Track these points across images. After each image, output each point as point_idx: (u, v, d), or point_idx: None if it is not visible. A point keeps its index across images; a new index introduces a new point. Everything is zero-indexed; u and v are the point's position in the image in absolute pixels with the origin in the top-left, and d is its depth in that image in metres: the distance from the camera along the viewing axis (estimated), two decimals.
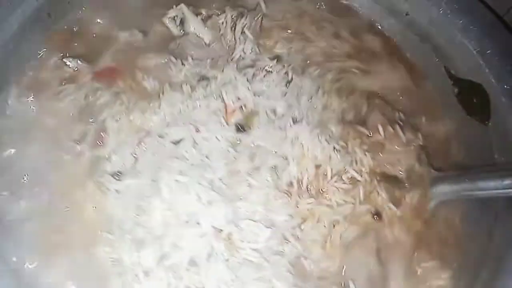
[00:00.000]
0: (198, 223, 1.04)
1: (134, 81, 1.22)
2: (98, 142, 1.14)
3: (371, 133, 1.19)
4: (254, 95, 1.18)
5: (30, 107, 1.18)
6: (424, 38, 1.35)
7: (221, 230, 1.03)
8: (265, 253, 1.04)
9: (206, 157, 1.11)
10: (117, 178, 1.09)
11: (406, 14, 1.37)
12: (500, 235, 1.09)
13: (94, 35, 1.30)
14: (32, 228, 1.05)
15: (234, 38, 1.29)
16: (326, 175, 1.12)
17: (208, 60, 1.25)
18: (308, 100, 1.21)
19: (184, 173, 1.08)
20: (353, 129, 1.19)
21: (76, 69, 1.23)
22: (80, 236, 1.05)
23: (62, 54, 1.25)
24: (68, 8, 1.31)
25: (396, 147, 1.18)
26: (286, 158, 1.12)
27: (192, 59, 1.25)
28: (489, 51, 1.21)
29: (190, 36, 1.29)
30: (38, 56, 1.25)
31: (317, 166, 1.12)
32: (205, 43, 1.29)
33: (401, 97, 1.31)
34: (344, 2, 1.46)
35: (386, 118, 1.21)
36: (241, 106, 1.17)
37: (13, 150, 1.14)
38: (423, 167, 1.18)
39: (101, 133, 1.14)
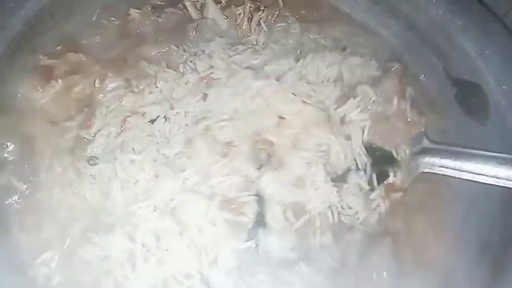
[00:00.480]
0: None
1: (138, 68, 1.25)
2: (87, 123, 1.16)
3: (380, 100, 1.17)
4: (229, 63, 1.21)
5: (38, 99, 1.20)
6: (423, 39, 1.35)
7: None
8: None
9: (169, 133, 1.13)
10: (92, 163, 1.11)
11: (405, 15, 1.37)
12: None
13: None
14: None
15: (250, 29, 1.35)
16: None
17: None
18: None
19: (139, 151, 1.10)
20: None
21: (84, 60, 1.25)
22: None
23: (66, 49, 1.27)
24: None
25: (398, 124, 1.17)
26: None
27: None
28: (488, 52, 1.20)
29: (208, 20, 1.34)
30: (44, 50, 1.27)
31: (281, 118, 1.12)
32: (221, 30, 1.35)
33: None
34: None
35: (401, 89, 1.20)
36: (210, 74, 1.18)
37: None
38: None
39: (91, 116, 1.16)
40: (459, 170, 1.12)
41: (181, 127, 1.13)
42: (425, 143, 1.20)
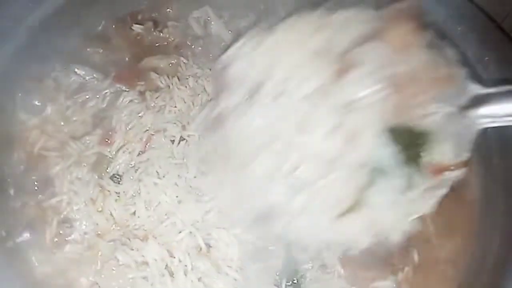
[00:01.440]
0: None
1: (148, 80, 1.27)
2: (106, 140, 1.17)
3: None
4: None
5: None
6: None
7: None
8: None
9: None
10: (115, 181, 1.12)
11: None
12: None
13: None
14: None
15: None
16: None
17: None
18: None
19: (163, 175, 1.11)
20: None
21: (92, 77, 1.26)
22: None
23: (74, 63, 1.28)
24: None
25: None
26: None
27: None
28: (487, 58, 1.22)
29: (213, 37, 1.36)
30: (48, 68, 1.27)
31: None
32: (227, 45, 1.33)
33: None
34: None
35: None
36: None
37: None
38: None
39: (110, 132, 1.17)
40: None
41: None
42: (473, 89, 0.92)
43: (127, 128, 1.17)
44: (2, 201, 1.09)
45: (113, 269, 1.01)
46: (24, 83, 1.22)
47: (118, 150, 1.15)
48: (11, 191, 1.12)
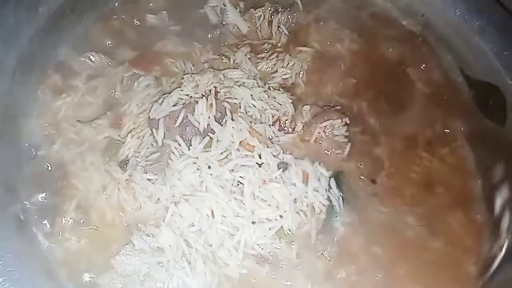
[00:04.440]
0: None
1: (163, 65, 1.26)
2: (118, 123, 1.15)
3: None
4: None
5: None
6: (440, 39, 1.36)
7: None
8: None
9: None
10: (123, 169, 1.09)
11: (422, 15, 1.38)
12: None
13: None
14: None
15: (271, 32, 1.35)
16: None
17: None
18: None
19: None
20: None
21: (101, 64, 1.25)
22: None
23: (88, 49, 1.26)
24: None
25: None
26: None
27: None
28: (506, 53, 1.21)
29: (229, 26, 1.35)
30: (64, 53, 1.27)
31: None
32: (242, 34, 1.35)
33: None
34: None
35: None
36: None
37: None
38: None
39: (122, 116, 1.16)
40: None
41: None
42: None
43: (138, 112, 1.16)
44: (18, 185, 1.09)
45: (128, 254, 1.00)
46: (41, 68, 1.21)
47: (127, 134, 1.13)
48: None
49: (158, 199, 1.05)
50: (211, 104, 1.09)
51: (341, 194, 1.10)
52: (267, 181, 1.03)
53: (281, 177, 1.05)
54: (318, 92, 1.27)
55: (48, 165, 1.12)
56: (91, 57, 1.25)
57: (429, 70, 1.35)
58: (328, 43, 1.34)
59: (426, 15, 1.37)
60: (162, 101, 1.12)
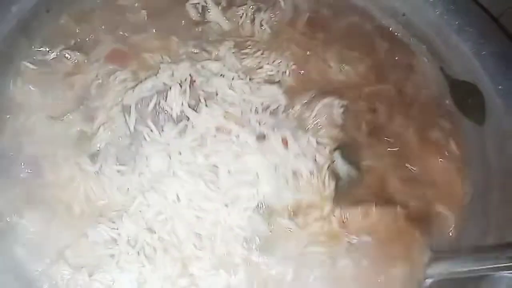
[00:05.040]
0: None
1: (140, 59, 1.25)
2: (90, 115, 1.15)
3: None
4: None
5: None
6: (420, 39, 1.36)
7: None
8: None
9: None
10: (93, 161, 1.08)
11: (403, 15, 1.38)
12: None
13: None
14: None
15: (253, 30, 1.34)
16: None
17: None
18: None
19: None
20: None
21: (77, 61, 1.23)
22: None
23: (63, 47, 1.25)
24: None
25: None
26: None
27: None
28: (484, 52, 1.22)
29: (211, 24, 1.34)
30: (39, 51, 1.25)
31: None
32: (225, 31, 1.34)
33: None
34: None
35: None
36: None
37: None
38: None
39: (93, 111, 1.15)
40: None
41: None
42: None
43: (113, 105, 1.15)
44: None
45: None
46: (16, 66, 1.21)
47: (99, 127, 1.12)
48: None
49: (128, 189, 1.04)
50: (185, 90, 1.08)
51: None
52: (243, 155, 1.03)
53: (259, 149, 1.04)
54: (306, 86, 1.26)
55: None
56: (66, 54, 1.24)
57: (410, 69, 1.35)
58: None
59: (406, 15, 1.37)
60: (135, 87, 1.11)
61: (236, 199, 1.02)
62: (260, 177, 1.02)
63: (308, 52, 1.31)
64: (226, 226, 1.01)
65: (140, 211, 1.01)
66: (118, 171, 1.06)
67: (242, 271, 1.00)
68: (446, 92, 1.30)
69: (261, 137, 1.06)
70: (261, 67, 1.25)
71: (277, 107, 1.16)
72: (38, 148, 1.11)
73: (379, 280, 1.01)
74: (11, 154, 1.12)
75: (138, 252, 0.98)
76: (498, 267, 0.96)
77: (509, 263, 0.94)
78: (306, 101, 1.19)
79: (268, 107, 1.15)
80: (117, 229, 1.00)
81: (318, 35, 1.35)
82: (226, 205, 1.01)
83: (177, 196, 1.00)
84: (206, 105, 1.08)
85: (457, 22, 1.27)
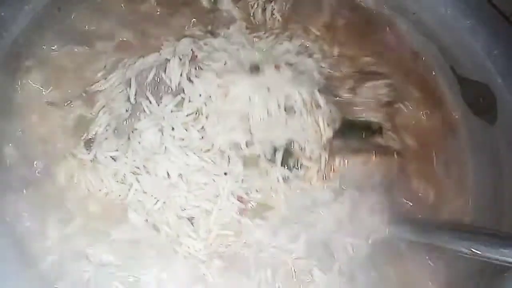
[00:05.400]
0: None
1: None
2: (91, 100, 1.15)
3: None
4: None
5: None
6: (430, 38, 1.35)
7: None
8: None
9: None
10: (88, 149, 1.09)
11: (413, 13, 1.38)
12: None
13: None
14: None
15: (264, 19, 1.35)
16: None
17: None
18: None
19: None
20: None
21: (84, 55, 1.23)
22: None
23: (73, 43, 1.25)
24: None
25: None
26: None
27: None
28: (496, 52, 1.21)
29: (223, 12, 1.34)
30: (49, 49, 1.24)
31: None
32: (236, 19, 1.34)
33: None
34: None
35: None
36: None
37: None
38: None
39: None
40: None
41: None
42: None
43: (115, 85, 1.15)
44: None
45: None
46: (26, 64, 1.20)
47: (99, 110, 1.13)
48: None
49: (124, 175, 1.05)
50: (184, 63, 1.09)
51: None
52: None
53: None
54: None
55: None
56: (76, 49, 1.24)
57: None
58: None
59: (417, 13, 1.37)
60: (137, 61, 1.13)
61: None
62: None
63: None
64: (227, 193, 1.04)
65: (139, 200, 1.03)
66: (112, 157, 1.07)
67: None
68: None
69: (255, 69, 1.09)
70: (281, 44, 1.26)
71: None
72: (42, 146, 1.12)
73: None
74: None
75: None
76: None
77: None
78: None
79: None
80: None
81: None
82: (225, 174, 1.04)
83: (167, 172, 1.02)
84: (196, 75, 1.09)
85: (468, 22, 1.26)
